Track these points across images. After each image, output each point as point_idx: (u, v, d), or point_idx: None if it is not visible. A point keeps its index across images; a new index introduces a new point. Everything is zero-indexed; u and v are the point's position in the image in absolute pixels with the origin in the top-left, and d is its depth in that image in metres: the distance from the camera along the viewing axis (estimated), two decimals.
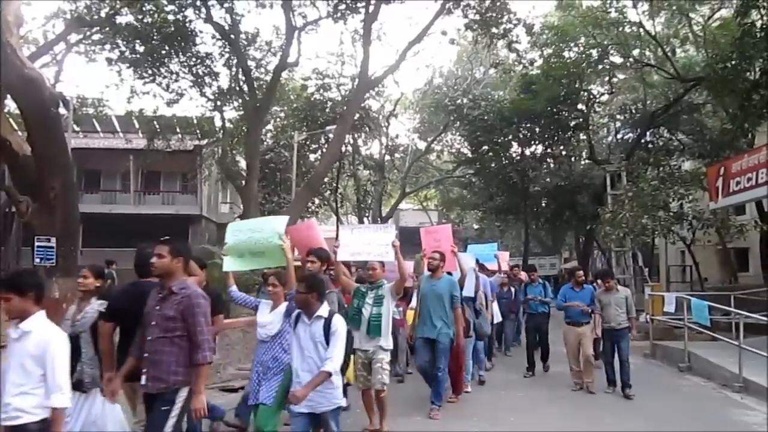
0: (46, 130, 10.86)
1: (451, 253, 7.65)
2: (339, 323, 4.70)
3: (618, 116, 26.05)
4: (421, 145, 34.87)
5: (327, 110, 27.19)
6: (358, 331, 6.12)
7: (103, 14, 18.69)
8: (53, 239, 10.69)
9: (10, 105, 15.14)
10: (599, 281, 9.41)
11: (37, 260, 10.67)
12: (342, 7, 19.68)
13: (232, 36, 19.72)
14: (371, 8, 18.68)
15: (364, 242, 6.40)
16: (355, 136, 29.17)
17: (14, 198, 11.61)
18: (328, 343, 4.61)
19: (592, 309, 8.99)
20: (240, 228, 5.99)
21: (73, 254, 11.29)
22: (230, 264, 5.76)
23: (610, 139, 28.55)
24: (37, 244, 10.66)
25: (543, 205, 28.66)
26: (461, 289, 7.71)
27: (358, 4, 19.39)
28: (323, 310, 4.74)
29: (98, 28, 19.10)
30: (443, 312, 7.22)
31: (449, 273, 7.57)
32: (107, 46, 20.35)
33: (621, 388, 8.60)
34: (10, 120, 12.61)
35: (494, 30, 19.24)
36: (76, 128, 27.67)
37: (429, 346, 7.24)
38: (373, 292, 6.37)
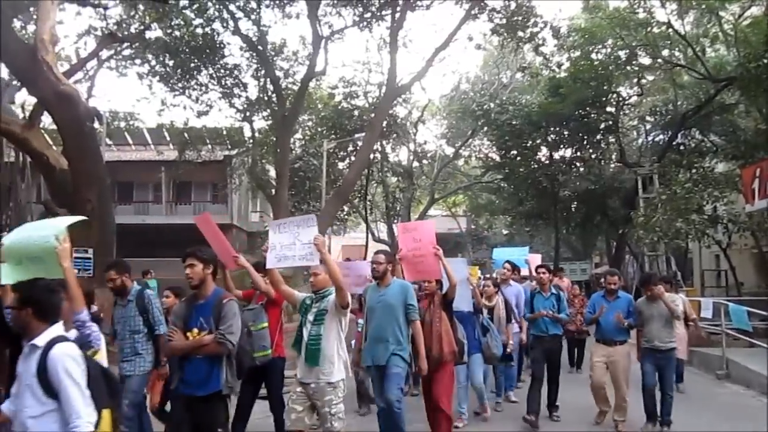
0: (81, 144, 11.15)
1: (434, 256, 5.91)
2: (66, 359, 2.94)
3: (648, 118, 25.68)
4: (449, 150, 34.80)
5: (355, 118, 27.34)
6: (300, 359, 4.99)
7: (133, 30, 19.12)
8: (90, 250, 10.95)
9: (46, 120, 15.58)
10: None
11: (75, 271, 10.91)
12: (368, 15, 19.82)
13: (260, 47, 20.00)
14: (397, 16, 18.76)
15: (289, 242, 5.03)
16: (383, 143, 29.23)
17: (52, 211, 11.94)
18: (46, 389, 2.94)
19: (629, 323, 7.10)
20: (25, 227, 4.73)
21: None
22: (6, 274, 4.08)
23: (640, 141, 28.14)
24: (75, 255, 10.89)
25: (573, 209, 28.34)
26: (450, 302, 6.20)
27: (384, 12, 19.49)
28: (46, 335, 3.04)
29: (129, 43, 19.54)
30: (395, 327, 5.54)
31: (437, 281, 6.22)
32: (138, 61, 20.86)
33: (659, 424, 7.06)
34: (46, 135, 12.93)
35: (520, 34, 19.18)
36: (109, 142, 28.31)
37: (379, 373, 5.63)
38: (317, 306, 4.97)
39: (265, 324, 5.77)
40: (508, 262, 9.28)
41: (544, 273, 7.78)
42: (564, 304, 7.68)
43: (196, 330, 4.22)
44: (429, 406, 6.10)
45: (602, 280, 8.36)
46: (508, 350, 8.05)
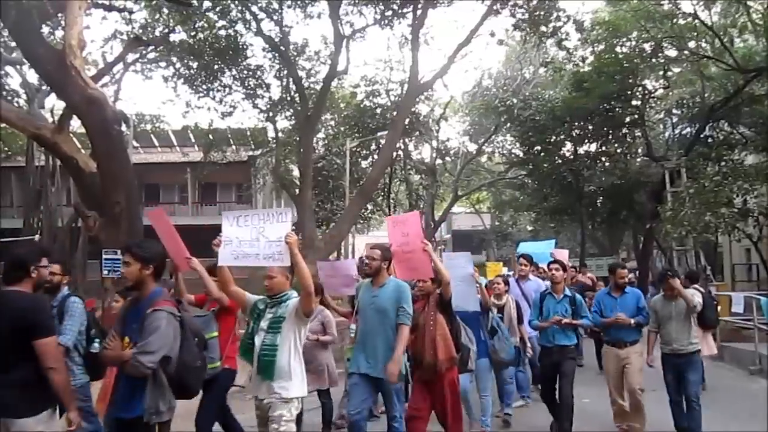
0: (109, 147, 11.33)
1: (422, 251, 5.24)
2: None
3: (675, 111, 25.29)
4: (472, 147, 34.64)
5: (377, 116, 27.37)
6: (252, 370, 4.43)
7: (157, 33, 19.37)
8: (119, 251, 11.11)
9: (75, 124, 15.86)
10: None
11: (105, 272, 11.12)
12: (389, 13, 19.82)
13: (282, 48, 20.11)
14: (418, 13, 18.73)
15: (251, 238, 4.34)
16: (406, 140, 29.23)
17: (82, 213, 12.15)
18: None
19: (637, 322, 6.42)
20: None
21: None
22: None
23: (667, 134, 27.73)
24: (104, 257, 11.10)
25: (599, 204, 28.07)
26: (448, 302, 5.42)
27: (405, 10, 19.48)
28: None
29: (153, 47, 19.82)
30: (390, 334, 4.99)
31: (432, 280, 5.41)
32: (162, 64, 21.17)
33: None
34: (75, 139, 13.17)
35: (543, 28, 19.02)
36: (136, 144, 28.73)
37: (369, 387, 5.11)
38: (272, 312, 4.31)
39: (215, 333, 5.27)
40: (523, 256, 8.76)
41: (557, 270, 6.71)
42: (582, 308, 6.57)
43: (127, 339, 3.58)
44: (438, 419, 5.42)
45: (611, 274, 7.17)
46: (528, 353, 7.64)
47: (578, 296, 6.69)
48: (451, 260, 6.21)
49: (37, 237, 18.65)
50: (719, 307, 10.96)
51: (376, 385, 5.12)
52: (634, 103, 23.60)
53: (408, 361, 5.41)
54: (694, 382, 6.30)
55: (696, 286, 9.36)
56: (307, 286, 4.14)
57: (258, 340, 4.28)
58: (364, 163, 30.01)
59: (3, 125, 18.95)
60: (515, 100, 26.35)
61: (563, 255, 9.78)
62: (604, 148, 26.01)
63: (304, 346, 5.90)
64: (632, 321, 6.39)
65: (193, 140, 29.96)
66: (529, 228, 39.90)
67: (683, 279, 9.90)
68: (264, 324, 4.29)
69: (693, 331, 6.36)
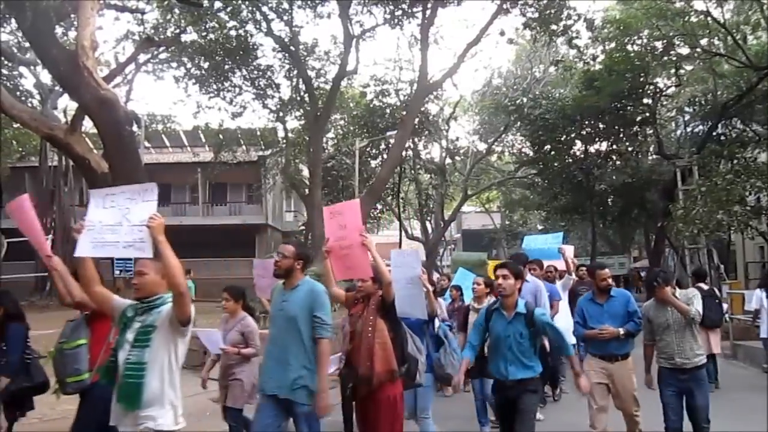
0: (121, 147, 11.42)
1: (360, 246, 4.54)
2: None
3: (687, 109, 25.15)
4: (482, 146, 34.59)
5: (387, 116, 27.38)
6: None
7: (169, 34, 19.49)
8: None
9: (87, 124, 15.99)
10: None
11: (117, 272, 11.20)
12: (398, 13, 19.84)
13: (292, 48, 20.18)
14: (428, 12, 18.73)
15: (114, 222, 3.45)
16: (416, 140, 29.23)
17: None
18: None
19: (627, 332, 5.39)
20: None
21: None
22: None
23: (679, 132, 27.59)
24: (117, 257, 11.17)
25: (610, 203, 27.97)
26: (391, 306, 4.66)
27: (415, 9, 19.49)
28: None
29: (165, 47, 19.94)
30: (300, 347, 4.13)
31: (373, 280, 4.68)
32: (174, 64, 21.29)
33: None
34: (87, 139, 13.28)
35: (554, 27, 18.98)
36: (147, 144, 28.90)
37: (277, 410, 4.20)
38: (141, 320, 3.40)
39: (82, 341, 4.54)
40: (513, 256, 7.86)
41: (505, 277, 4.68)
42: (546, 329, 4.71)
43: None
44: None
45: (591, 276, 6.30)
46: None
47: (539, 313, 4.75)
48: (398, 258, 5.41)
49: (50, 237, 18.78)
50: (725, 306, 10.81)
51: (286, 407, 4.17)
52: (645, 101, 23.49)
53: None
54: (702, 406, 5.17)
55: (701, 284, 9.32)
56: (176, 285, 3.24)
57: (121, 357, 3.33)
58: (373, 163, 30.03)
59: (17, 125, 19.13)
60: (525, 99, 26.29)
61: (568, 251, 9.03)
62: (615, 147, 25.91)
63: (225, 360, 5.69)
64: (621, 331, 5.38)
65: (203, 140, 30.10)
66: (540, 227, 39.80)
67: (691, 277, 9.82)
68: (130, 336, 3.36)
69: (697, 341, 5.24)
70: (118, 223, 3.43)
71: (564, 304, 8.05)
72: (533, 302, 6.86)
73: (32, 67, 22.64)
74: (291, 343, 4.16)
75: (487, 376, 5.48)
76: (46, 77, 22.76)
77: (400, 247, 31.41)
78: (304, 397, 4.11)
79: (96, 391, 4.18)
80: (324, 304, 4.19)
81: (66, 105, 25.07)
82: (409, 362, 4.73)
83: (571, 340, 6.61)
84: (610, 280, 5.73)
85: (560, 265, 8.82)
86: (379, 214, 33.79)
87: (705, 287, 9.36)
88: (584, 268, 9.56)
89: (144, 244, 3.34)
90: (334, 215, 4.86)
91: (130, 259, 12.00)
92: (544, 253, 8.66)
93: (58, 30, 15.77)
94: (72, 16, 13.56)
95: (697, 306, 5.15)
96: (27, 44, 16.99)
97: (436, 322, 5.82)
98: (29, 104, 22.75)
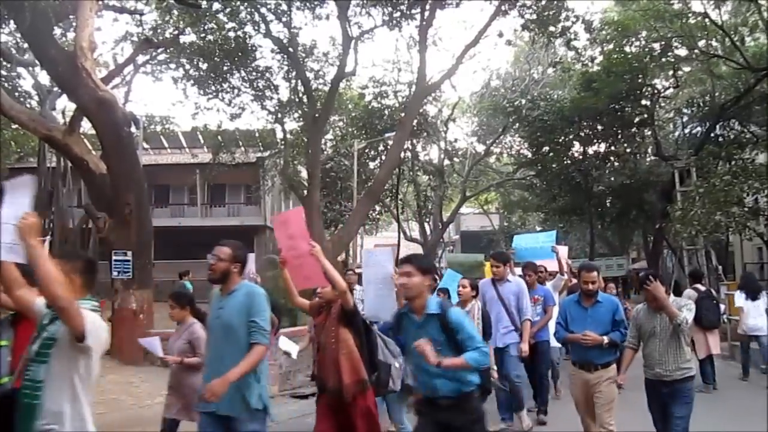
0: (120, 149, 11.42)
1: (309, 255, 4.40)
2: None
3: (685, 110, 25.19)
4: (480, 148, 34.61)
5: (385, 117, 27.38)
6: None
7: (168, 35, 19.49)
8: (129, 253, 11.19)
9: (86, 125, 15.99)
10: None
11: (115, 273, 11.19)
12: (397, 14, 19.84)
13: (291, 49, 20.18)
14: (426, 14, 18.73)
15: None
16: (414, 141, 29.24)
17: (92, 215, 12.24)
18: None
19: (611, 341, 5.11)
20: None
21: (148, 267, 11.80)
22: None
23: (677, 134, 27.61)
24: (114, 258, 11.17)
25: (608, 204, 27.99)
26: (351, 314, 4.48)
27: (413, 11, 19.50)
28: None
29: (164, 48, 19.93)
30: (239, 358, 3.66)
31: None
32: (172, 65, 21.28)
33: None
34: (86, 141, 13.27)
35: (552, 29, 18.98)
36: (146, 145, 28.90)
37: (217, 427, 3.78)
38: (49, 328, 2.97)
39: (3, 342, 4.33)
40: (493, 256, 7.30)
41: (406, 275, 3.81)
42: (462, 332, 3.70)
43: None
44: None
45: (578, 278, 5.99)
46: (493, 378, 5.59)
47: (454, 313, 3.83)
48: (369, 258, 5.19)
49: (48, 238, 18.76)
50: (722, 306, 10.82)
51: (227, 425, 3.75)
52: (643, 102, 23.52)
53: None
54: (680, 418, 4.80)
55: (698, 285, 9.33)
56: (51, 298, 2.76)
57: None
58: (372, 165, 30.02)
59: (15, 126, 19.11)
60: (524, 101, 26.31)
61: (562, 251, 8.63)
62: (613, 148, 25.94)
63: (173, 369, 5.26)
64: (604, 339, 5.06)
65: (202, 142, 30.08)
66: (538, 228, 39.81)
67: (687, 278, 9.85)
68: (35, 347, 2.95)
69: (684, 352, 4.86)
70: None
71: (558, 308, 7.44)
72: (514, 304, 6.73)
73: (31, 68, 22.63)
74: (229, 353, 3.71)
75: (391, 392, 5.07)
76: (44, 78, 22.75)
77: (398, 249, 31.44)
78: (242, 410, 3.70)
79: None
80: (261, 309, 3.80)
81: (64, 106, 25.08)
82: (379, 369, 4.58)
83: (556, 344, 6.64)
84: (596, 284, 5.29)
85: (550, 266, 8.48)
86: (378, 216, 33.79)
87: (702, 288, 9.38)
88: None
89: (17, 247, 2.87)
90: (281, 224, 4.75)
91: (128, 262, 11.96)
92: (536, 252, 8.27)
93: (57, 31, 15.76)
94: (71, 17, 13.55)
95: (687, 314, 4.75)
96: (25, 45, 16.98)
97: None
98: (27, 105, 22.73)
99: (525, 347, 6.69)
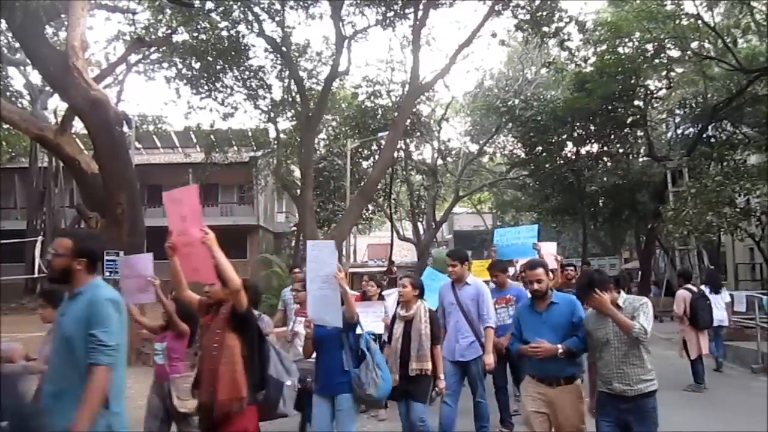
0: (112, 148, 11.35)
1: (201, 243, 3.67)
2: None
3: (677, 111, 25.29)
4: (474, 148, 34.67)
5: (378, 117, 27.39)
6: None
7: (160, 34, 19.41)
8: (121, 253, 11.11)
9: (77, 125, 15.91)
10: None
11: (107, 273, 11.10)
12: (390, 14, 19.84)
13: (284, 48, 20.15)
14: (420, 14, 18.74)
15: None
16: (407, 141, 29.25)
17: (84, 215, 12.17)
18: None
19: (567, 349, 4.21)
20: None
21: None
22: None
23: (669, 135, 27.74)
24: (106, 258, 11.08)
25: (601, 204, 28.07)
26: (243, 316, 3.79)
27: (407, 11, 19.50)
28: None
29: (156, 47, 19.86)
30: (79, 378, 2.96)
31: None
32: (165, 65, 21.20)
33: None
34: (78, 140, 13.20)
35: (545, 29, 19.01)
36: (138, 145, 28.78)
37: None
38: None
39: None
40: (449, 254, 6.36)
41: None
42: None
43: None
44: None
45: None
46: (437, 388, 5.28)
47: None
48: (313, 251, 4.55)
49: (40, 238, 18.67)
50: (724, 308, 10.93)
51: None
52: (636, 103, 23.61)
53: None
54: None
55: (689, 285, 9.39)
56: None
57: None
58: (365, 164, 30.02)
59: (6, 126, 19.00)
60: (517, 101, 26.38)
61: (551, 248, 7.98)
62: (606, 149, 26.03)
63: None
64: (559, 348, 4.19)
65: (194, 141, 30.00)
66: None
67: (677, 278, 9.93)
68: None
69: (645, 362, 4.05)
70: None
71: None
72: (474, 310, 5.88)
73: (22, 68, 22.51)
74: (66, 372, 3.01)
75: (415, 399, 5.00)
76: (36, 78, 22.66)
77: (391, 248, 31.49)
78: None
79: None
80: (103, 319, 2.99)
81: (56, 106, 24.97)
82: (268, 387, 3.92)
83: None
84: (544, 283, 4.43)
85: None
86: (371, 216, 33.77)
87: (694, 288, 9.44)
88: (572, 268, 8.97)
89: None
90: (174, 202, 3.91)
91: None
92: (516, 249, 7.58)
93: (48, 30, 15.66)
94: (62, 16, 13.47)
95: (643, 320, 3.93)
96: (17, 44, 16.87)
97: (359, 331, 4.75)
98: (19, 105, 22.61)
99: (489, 359, 5.78)
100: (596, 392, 4.20)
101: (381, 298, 7.31)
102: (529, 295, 4.64)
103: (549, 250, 7.63)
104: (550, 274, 4.75)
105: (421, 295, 5.43)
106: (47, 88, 20.75)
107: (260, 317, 5.22)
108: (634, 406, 4.00)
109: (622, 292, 4.19)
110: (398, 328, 5.32)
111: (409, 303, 5.34)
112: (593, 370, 4.23)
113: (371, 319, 6.24)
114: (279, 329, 6.70)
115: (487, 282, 6.78)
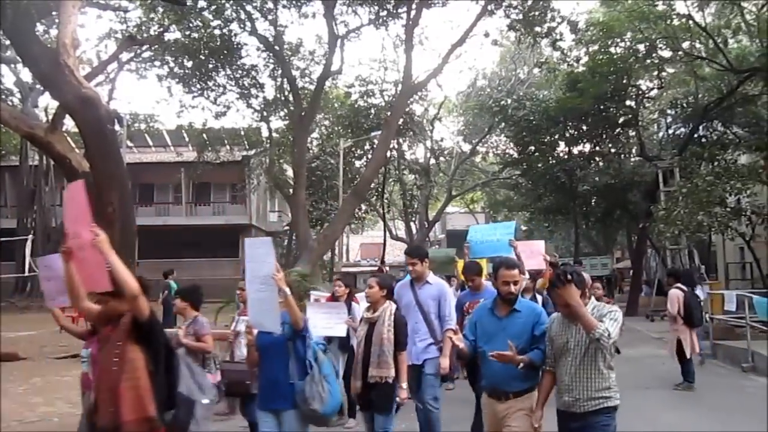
0: (103, 147, 11.27)
1: (91, 245, 3.23)
2: None
3: (669, 111, 25.40)
4: (466, 147, 34.75)
5: (371, 116, 27.40)
6: None
7: (152, 32, 19.34)
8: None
9: (68, 123, 15.82)
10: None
11: None
12: (383, 13, 19.85)
13: (277, 47, 20.12)
14: (413, 13, 18.75)
15: None
16: (400, 140, 29.27)
17: None
18: None
19: (529, 361, 3.71)
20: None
21: (131, 267, 11.67)
22: None
23: (661, 134, 27.86)
24: None
25: (593, 204, 28.16)
26: (147, 326, 3.33)
27: (400, 10, 19.51)
28: None
29: (148, 46, 19.79)
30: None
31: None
32: (157, 63, 21.14)
33: None
34: (68, 139, 13.13)
35: (538, 29, 19.08)
36: (130, 144, 28.66)
37: None
38: None
39: None
40: (408, 252, 5.94)
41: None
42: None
43: None
44: None
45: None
46: (398, 398, 4.74)
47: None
48: (251, 249, 4.19)
49: (30, 237, 18.55)
50: (704, 305, 10.98)
51: None
52: (628, 103, 23.68)
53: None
54: None
55: (679, 284, 9.41)
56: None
57: None
58: (357, 163, 30.02)
59: None
60: (509, 101, 26.44)
61: (539, 247, 7.36)
62: (597, 148, 26.10)
63: None
64: (519, 359, 3.66)
65: (187, 140, 29.89)
66: (524, 228, 40.00)
67: (667, 277, 9.97)
68: None
69: (603, 375, 3.57)
70: None
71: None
72: (434, 311, 5.51)
73: (12, 65, 22.35)
74: None
75: (375, 410, 4.66)
76: (26, 75, 22.52)
77: (384, 248, 31.50)
78: None
79: None
80: None
81: (47, 103, 24.80)
82: (178, 407, 3.49)
83: None
84: (519, 286, 4.05)
85: (531, 264, 6.95)
86: (364, 215, 33.78)
87: (685, 287, 9.47)
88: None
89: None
90: (68, 203, 3.46)
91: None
92: (491, 247, 6.87)
93: (39, 28, 15.59)
94: (53, 13, 13.40)
95: (609, 325, 3.44)
96: (7, 42, 16.74)
97: (308, 339, 4.28)
98: (9, 102, 22.46)
99: (445, 363, 5.35)
100: (544, 404, 3.74)
101: (351, 299, 7.09)
102: (497, 296, 4.08)
103: (537, 249, 7.17)
104: (526, 275, 4.39)
105: (389, 296, 4.94)
106: (38, 86, 20.60)
107: (196, 319, 5.13)
108: (584, 424, 3.54)
109: (593, 298, 3.80)
110: (361, 331, 4.91)
111: (375, 304, 4.86)
112: (548, 378, 3.75)
113: (334, 321, 6.15)
114: (219, 330, 6.53)
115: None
